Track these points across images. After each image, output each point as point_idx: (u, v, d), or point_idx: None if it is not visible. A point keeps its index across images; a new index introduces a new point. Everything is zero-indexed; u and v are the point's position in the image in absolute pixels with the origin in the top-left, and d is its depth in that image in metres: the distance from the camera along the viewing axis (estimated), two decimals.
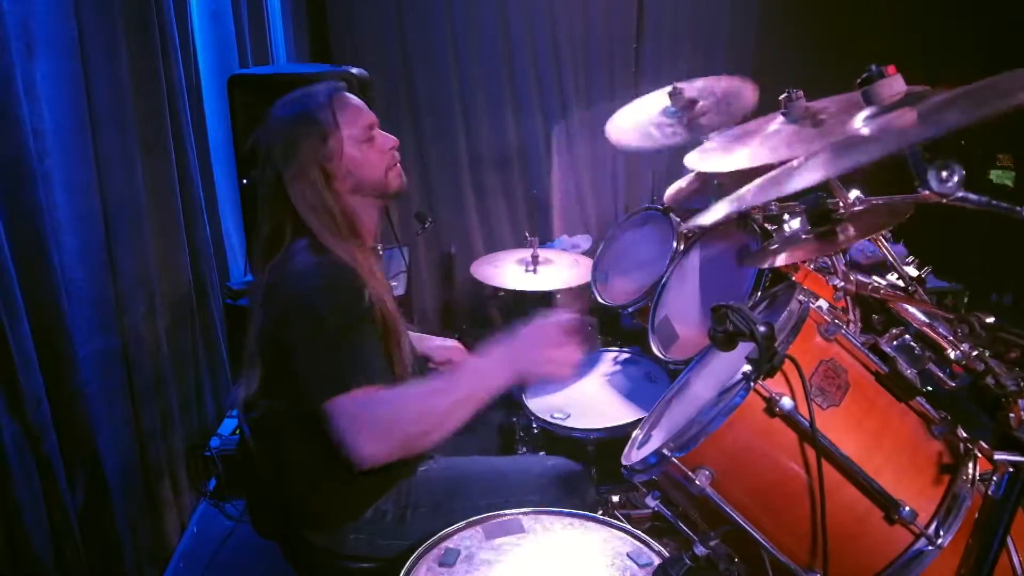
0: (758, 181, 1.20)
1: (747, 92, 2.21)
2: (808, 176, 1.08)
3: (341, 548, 1.59)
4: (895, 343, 1.19)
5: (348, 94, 1.62)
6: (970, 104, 0.95)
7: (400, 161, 1.66)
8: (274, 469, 1.61)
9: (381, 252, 1.71)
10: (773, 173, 1.19)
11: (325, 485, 1.57)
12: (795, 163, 1.17)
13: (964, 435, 1.14)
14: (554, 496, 1.56)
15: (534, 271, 2.82)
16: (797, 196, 1.55)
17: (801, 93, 1.52)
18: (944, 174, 0.99)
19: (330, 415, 1.34)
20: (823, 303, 1.25)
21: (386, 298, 1.54)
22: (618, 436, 1.92)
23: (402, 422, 1.35)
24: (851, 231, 1.54)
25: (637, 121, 2.40)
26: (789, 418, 1.05)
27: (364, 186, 1.59)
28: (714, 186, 2.19)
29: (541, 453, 2.07)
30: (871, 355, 1.21)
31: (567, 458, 1.73)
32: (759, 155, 1.43)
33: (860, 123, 1.18)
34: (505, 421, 2.17)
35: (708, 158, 1.61)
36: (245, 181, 2.67)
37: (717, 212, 1.21)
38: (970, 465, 1.11)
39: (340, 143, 1.54)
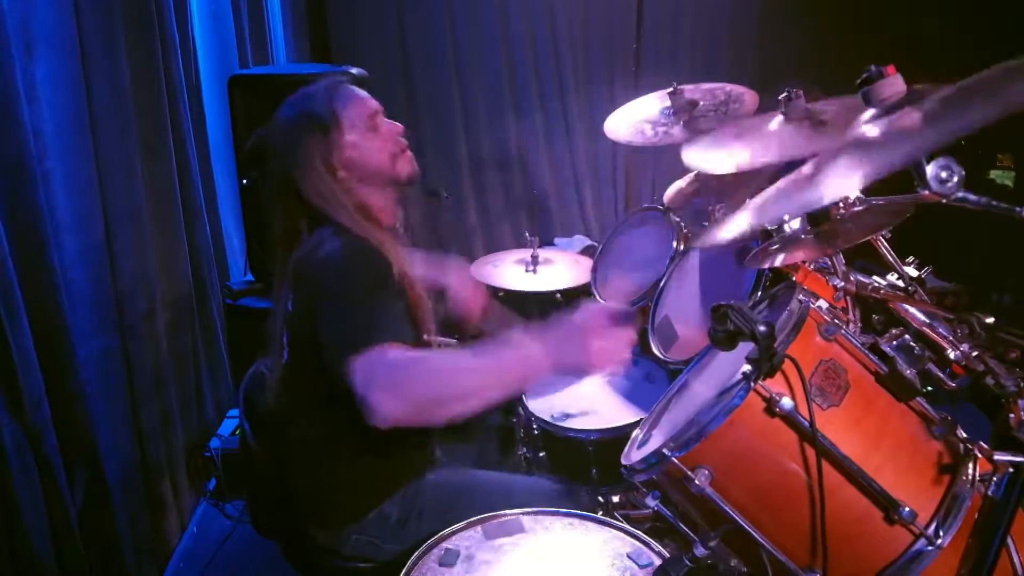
0: (775, 190, 1.19)
1: (748, 98, 2.22)
2: (837, 187, 1.07)
3: (342, 548, 1.59)
4: (895, 343, 1.19)
5: (349, 86, 1.63)
6: (982, 100, 0.94)
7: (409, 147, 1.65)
8: (280, 464, 1.61)
9: (402, 231, 1.71)
10: (791, 182, 1.17)
11: (331, 482, 1.58)
12: (809, 170, 1.15)
13: (964, 435, 1.14)
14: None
15: (534, 271, 2.81)
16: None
17: (801, 93, 1.52)
18: (943, 174, 0.99)
19: (352, 372, 1.26)
20: (823, 303, 1.25)
21: (410, 276, 1.55)
22: (618, 436, 1.92)
23: (424, 383, 1.27)
24: (851, 231, 1.54)
25: (635, 119, 2.41)
26: (789, 418, 1.05)
27: (371, 174, 1.59)
28: (713, 187, 2.19)
29: (548, 477, 2.05)
30: (871, 355, 1.20)
31: (568, 466, 1.74)
32: (760, 153, 1.43)
33: (869, 127, 1.16)
34: (505, 422, 2.16)
35: (708, 155, 1.61)
36: (245, 181, 2.67)
37: (738, 226, 1.20)
38: (970, 465, 1.11)
39: (342, 136, 1.55)
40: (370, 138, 1.58)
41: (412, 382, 1.25)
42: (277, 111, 1.62)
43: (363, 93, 1.63)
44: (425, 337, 1.61)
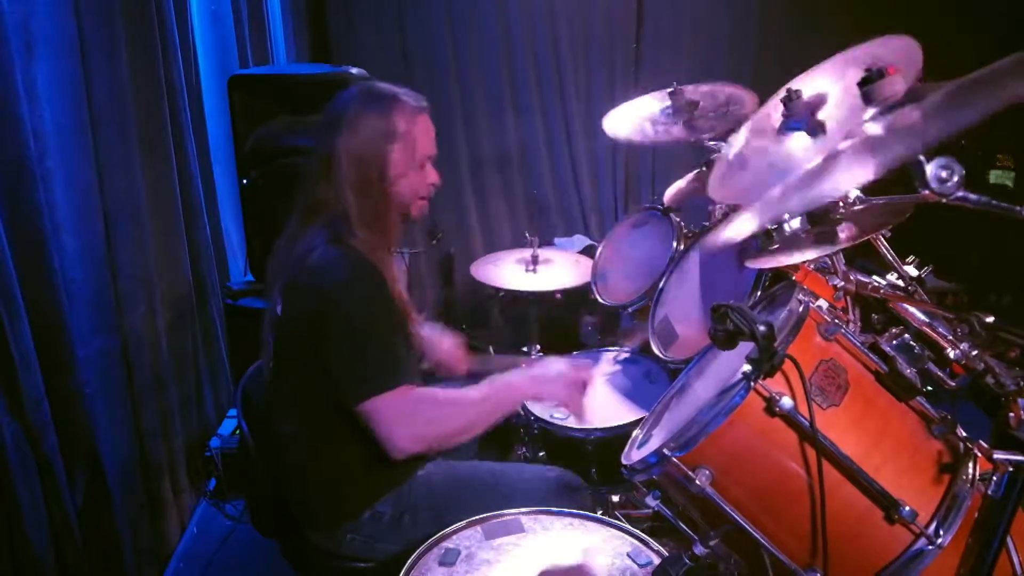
0: (779, 188, 1.18)
1: (748, 99, 2.21)
2: (842, 182, 1.07)
3: (339, 548, 1.59)
4: (895, 342, 1.18)
5: (428, 117, 1.68)
6: (976, 97, 0.94)
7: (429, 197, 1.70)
8: (274, 466, 1.61)
9: (400, 252, 1.74)
10: (796, 179, 1.17)
11: (323, 482, 1.58)
12: (814, 166, 1.15)
13: (963, 434, 1.14)
14: (555, 506, 1.56)
15: (534, 271, 2.81)
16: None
17: (801, 92, 1.52)
18: (943, 174, 0.98)
19: (369, 415, 1.44)
20: (823, 303, 1.24)
21: (401, 299, 1.58)
22: (618, 436, 1.92)
23: (437, 424, 1.49)
24: (851, 231, 1.53)
25: (635, 118, 2.40)
26: (789, 418, 1.05)
27: (395, 200, 1.62)
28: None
29: (543, 466, 2.06)
30: (871, 355, 1.20)
31: (568, 465, 1.74)
32: (776, 172, 1.42)
33: (871, 125, 1.16)
34: (505, 421, 2.16)
35: (730, 181, 1.60)
36: (245, 181, 2.67)
37: (745, 225, 1.20)
38: (970, 465, 1.11)
39: (400, 155, 1.58)
40: (414, 173, 1.62)
41: (427, 424, 1.48)
42: (355, 90, 1.62)
43: (433, 132, 1.68)
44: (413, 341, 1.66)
